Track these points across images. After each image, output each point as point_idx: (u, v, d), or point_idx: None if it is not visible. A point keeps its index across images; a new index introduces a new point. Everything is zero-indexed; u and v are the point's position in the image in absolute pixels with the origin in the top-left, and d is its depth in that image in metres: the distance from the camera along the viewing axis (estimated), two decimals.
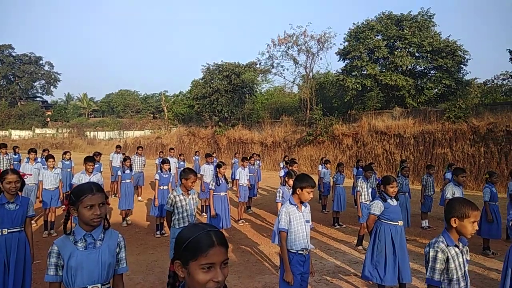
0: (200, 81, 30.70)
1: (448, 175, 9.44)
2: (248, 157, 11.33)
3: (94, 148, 32.33)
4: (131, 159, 9.81)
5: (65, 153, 11.32)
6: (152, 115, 50.71)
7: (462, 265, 2.62)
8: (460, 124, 16.47)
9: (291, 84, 29.43)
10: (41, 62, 58.97)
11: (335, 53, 23.60)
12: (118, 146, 14.00)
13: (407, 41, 20.43)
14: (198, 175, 11.75)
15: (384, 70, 21.02)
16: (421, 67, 21.38)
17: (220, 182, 7.32)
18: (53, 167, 8.01)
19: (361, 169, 10.01)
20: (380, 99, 21.12)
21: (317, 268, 5.94)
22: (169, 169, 8.57)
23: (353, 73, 21.69)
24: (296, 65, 25.34)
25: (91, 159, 6.93)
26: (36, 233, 7.55)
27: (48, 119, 57.00)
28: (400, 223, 4.63)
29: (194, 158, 17.24)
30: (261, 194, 13.94)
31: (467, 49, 20.34)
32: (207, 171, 10.01)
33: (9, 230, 3.78)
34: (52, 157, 8.16)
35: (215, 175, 7.48)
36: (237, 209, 9.49)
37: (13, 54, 56.59)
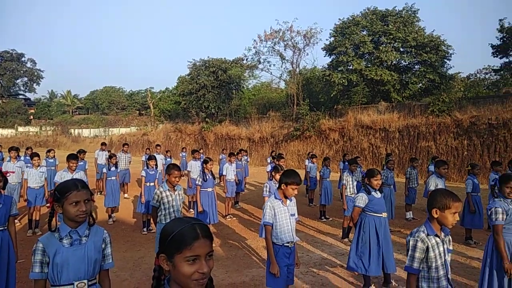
0: (187, 77, 30.49)
1: (432, 168, 9.61)
2: (235, 153, 11.33)
3: (78, 146, 31.86)
4: (117, 156, 9.71)
5: (49, 151, 11.14)
6: (138, 111, 50.18)
7: (442, 254, 2.69)
8: (444, 117, 16.77)
9: (278, 80, 29.52)
10: (23, 59, 57.51)
11: (321, 48, 23.77)
12: (103, 144, 13.83)
13: (391, 36, 20.65)
14: (185, 171, 11.81)
15: (369, 65, 21.23)
16: (405, 62, 21.65)
17: (207, 178, 7.31)
18: (38, 165, 7.88)
19: (347, 163, 10.12)
20: (365, 94, 21.35)
21: (304, 260, 6.01)
22: (156, 165, 8.51)
23: (339, 68, 21.84)
24: (283, 61, 25.40)
25: (74, 157, 6.84)
26: (20, 232, 7.43)
27: (31, 117, 55.85)
28: (384, 214, 4.72)
29: (181, 155, 17.16)
30: (248, 189, 13.98)
31: (450, 44, 20.71)
32: (194, 167, 9.98)
33: None
34: (37, 155, 8.02)
35: (202, 171, 7.46)
36: (225, 204, 9.51)
37: None
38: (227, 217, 9.19)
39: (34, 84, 59.49)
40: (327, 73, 22.22)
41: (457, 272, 5.46)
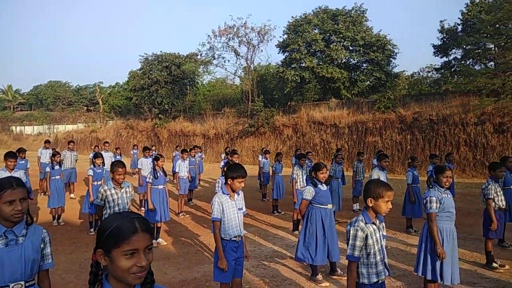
0: (138, 72, 29.54)
1: (376, 161, 10.11)
2: (189, 150, 11.20)
3: (20, 144, 29.77)
4: (62, 155, 9.23)
5: None
6: (85, 107, 47.76)
7: (379, 240, 2.86)
8: (389, 114, 17.71)
9: (233, 76, 29.45)
10: None
11: (275, 45, 24.07)
12: (47, 141, 13.06)
13: (341, 35, 21.37)
14: (136, 169, 11.40)
15: (321, 63, 21.83)
16: (354, 60, 22.50)
17: (158, 175, 7.17)
18: None
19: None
20: (317, 90, 21.94)
21: (256, 254, 6.11)
22: (103, 163, 8.21)
23: (292, 66, 22.25)
24: (237, 57, 25.43)
25: (12, 155, 6.42)
26: None
27: None
28: (330, 206, 4.92)
29: (132, 152, 16.66)
30: (203, 186, 13.89)
31: (396, 43, 21.83)
32: (145, 164, 9.75)
33: None
34: None
35: (153, 168, 7.30)
36: (178, 202, 9.38)
37: None
38: (180, 214, 9.09)
39: None
40: (280, 70, 22.56)
41: (398, 258, 5.82)
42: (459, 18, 20.29)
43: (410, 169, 7.75)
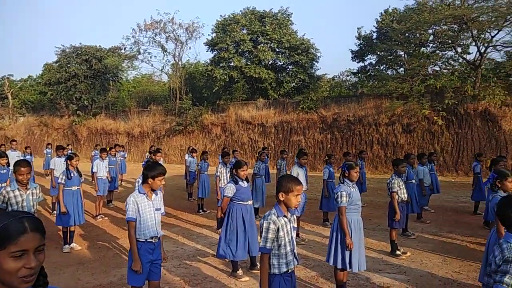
0: (54, 64, 27.25)
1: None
2: (108, 148, 10.62)
3: None
4: None
5: None
6: None
7: (290, 232, 3.00)
8: (312, 114, 18.64)
9: (160, 73, 28.63)
10: None
11: (204, 43, 23.85)
12: None
13: (268, 37, 21.90)
14: (48, 170, 10.49)
15: (249, 63, 22.15)
16: (280, 62, 23.20)
17: (72, 175, 6.68)
18: None
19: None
20: (245, 90, 22.24)
21: (178, 254, 6.02)
22: (8, 164, 7.42)
23: (221, 65, 22.26)
24: (165, 53, 24.75)
25: None
26: None
27: None
28: (250, 202, 5.04)
29: (45, 151, 15.30)
30: (125, 186, 13.29)
31: (318, 47, 22.98)
32: (58, 164, 9.01)
33: None
34: None
35: (66, 168, 6.79)
36: (95, 203, 8.85)
37: None
38: (98, 217, 8.58)
39: None
40: (209, 68, 22.43)
41: (314, 250, 6.16)
42: (374, 26, 21.94)
43: (326, 166, 8.22)
